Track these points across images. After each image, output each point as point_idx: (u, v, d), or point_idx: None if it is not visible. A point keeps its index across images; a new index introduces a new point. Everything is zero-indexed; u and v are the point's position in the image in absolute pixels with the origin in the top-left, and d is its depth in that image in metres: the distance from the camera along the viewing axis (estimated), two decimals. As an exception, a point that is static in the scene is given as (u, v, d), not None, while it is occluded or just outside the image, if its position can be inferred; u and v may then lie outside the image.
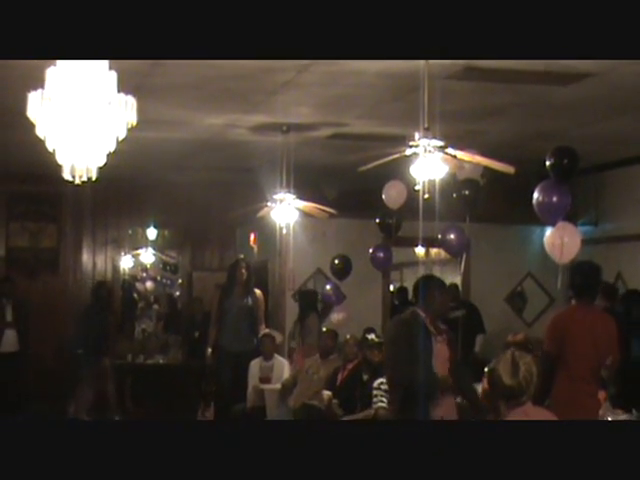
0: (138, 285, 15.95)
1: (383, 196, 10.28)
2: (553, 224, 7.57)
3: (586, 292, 6.72)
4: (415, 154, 7.23)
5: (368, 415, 8.14)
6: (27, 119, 5.04)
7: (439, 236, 9.36)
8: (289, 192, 10.57)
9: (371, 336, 9.21)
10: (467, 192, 9.31)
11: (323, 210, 10.97)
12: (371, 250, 11.16)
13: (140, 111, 5.09)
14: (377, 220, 11.08)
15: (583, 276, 6.78)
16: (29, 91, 4.92)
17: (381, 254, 11.15)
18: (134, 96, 5.05)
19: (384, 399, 7.99)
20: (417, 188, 7.46)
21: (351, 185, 13.14)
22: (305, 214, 10.91)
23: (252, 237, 13.61)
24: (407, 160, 7.52)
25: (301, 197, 10.65)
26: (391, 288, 13.91)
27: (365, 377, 8.65)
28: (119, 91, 4.99)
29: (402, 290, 15.10)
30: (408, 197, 9.65)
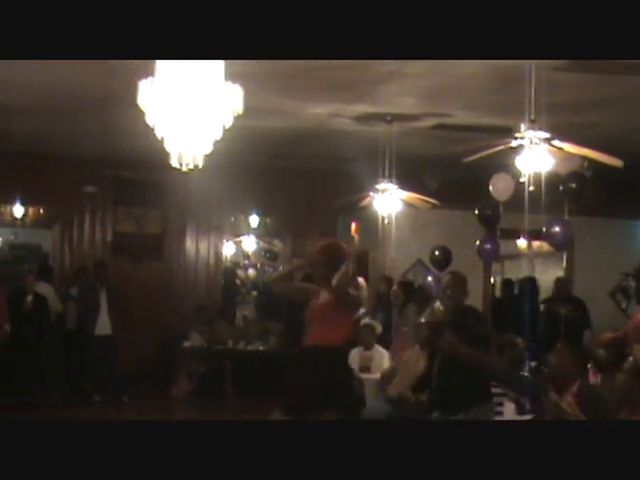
0: (239, 272, 16.11)
1: (490, 188, 10.16)
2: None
3: None
4: (521, 146, 7.15)
5: None
6: (136, 107, 5.12)
7: (544, 229, 9.21)
8: (391, 182, 10.54)
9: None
10: (574, 185, 9.15)
11: (425, 200, 10.92)
12: (478, 242, 11.02)
13: (246, 99, 5.13)
14: (476, 211, 10.95)
15: None
16: (139, 80, 4.99)
17: (488, 246, 10.99)
18: (240, 85, 5.09)
19: None
20: (522, 180, 7.38)
21: (453, 176, 13.05)
22: (407, 204, 10.87)
23: (354, 226, 13.61)
24: (510, 151, 7.44)
25: (403, 187, 10.61)
26: (491, 280, 13.75)
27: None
28: (226, 80, 5.04)
29: (507, 282, 14.88)
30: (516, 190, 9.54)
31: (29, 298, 12.50)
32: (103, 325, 13.19)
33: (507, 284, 14.85)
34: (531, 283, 12.81)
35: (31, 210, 14.35)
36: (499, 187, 10.08)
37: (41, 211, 14.49)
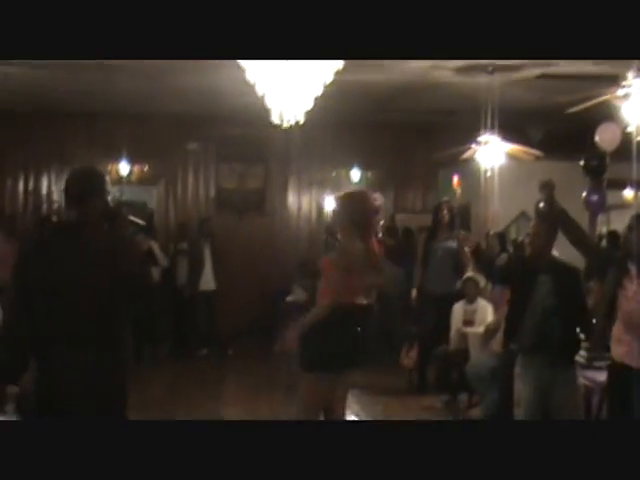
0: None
1: (596, 138, 9.93)
2: None
3: None
4: (628, 94, 6.96)
5: None
6: (237, 66, 5.14)
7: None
8: (494, 134, 10.39)
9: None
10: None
11: (528, 152, 10.75)
12: (584, 194, 10.81)
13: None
14: (582, 162, 10.73)
15: None
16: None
17: (595, 198, 10.77)
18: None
19: None
20: (629, 130, 7.21)
21: (558, 127, 12.80)
22: (510, 156, 10.72)
23: (455, 179, 13.49)
24: (617, 100, 7.26)
25: (506, 139, 10.46)
26: (598, 232, 13.47)
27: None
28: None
29: (614, 233, 14.54)
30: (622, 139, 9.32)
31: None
32: (207, 280, 13.37)
33: (612, 236, 14.51)
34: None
35: (136, 168, 14.60)
36: (606, 137, 9.86)
37: (146, 168, 14.72)
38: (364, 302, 6.08)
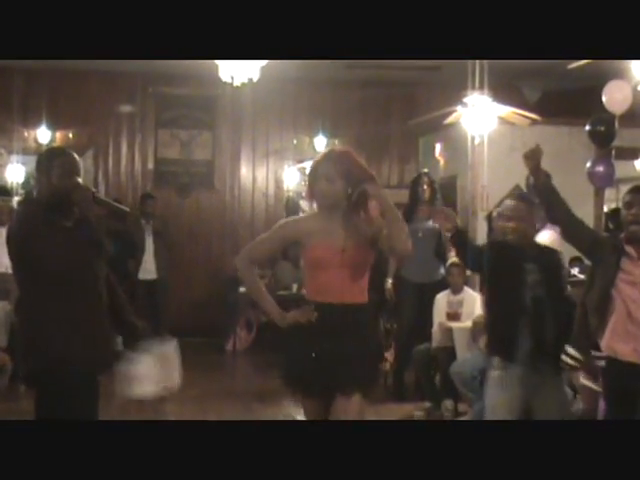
0: (303, 203, 16.11)
1: (603, 98, 9.96)
2: None
3: None
4: (640, 47, 6.99)
5: None
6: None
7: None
8: (482, 94, 10.40)
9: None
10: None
11: (523, 115, 10.78)
12: (589, 164, 10.85)
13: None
14: (587, 127, 10.76)
15: None
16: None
17: (601, 169, 10.79)
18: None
19: None
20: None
21: (557, 85, 12.85)
22: (502, 120, 10.74)
23: (438, 148, 13.51)
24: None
25: (497, 100, 10.47)
26: (605, 208, 13.57)
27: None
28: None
29: (617, 212, 14.66)
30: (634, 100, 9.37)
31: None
32: (147, 268, 13.26)
33: (616, 213, 14.59)
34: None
35: (59, 135, 14.50)
36: (615, 97, 9.89)
37: (70, 135, 14.62)
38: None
